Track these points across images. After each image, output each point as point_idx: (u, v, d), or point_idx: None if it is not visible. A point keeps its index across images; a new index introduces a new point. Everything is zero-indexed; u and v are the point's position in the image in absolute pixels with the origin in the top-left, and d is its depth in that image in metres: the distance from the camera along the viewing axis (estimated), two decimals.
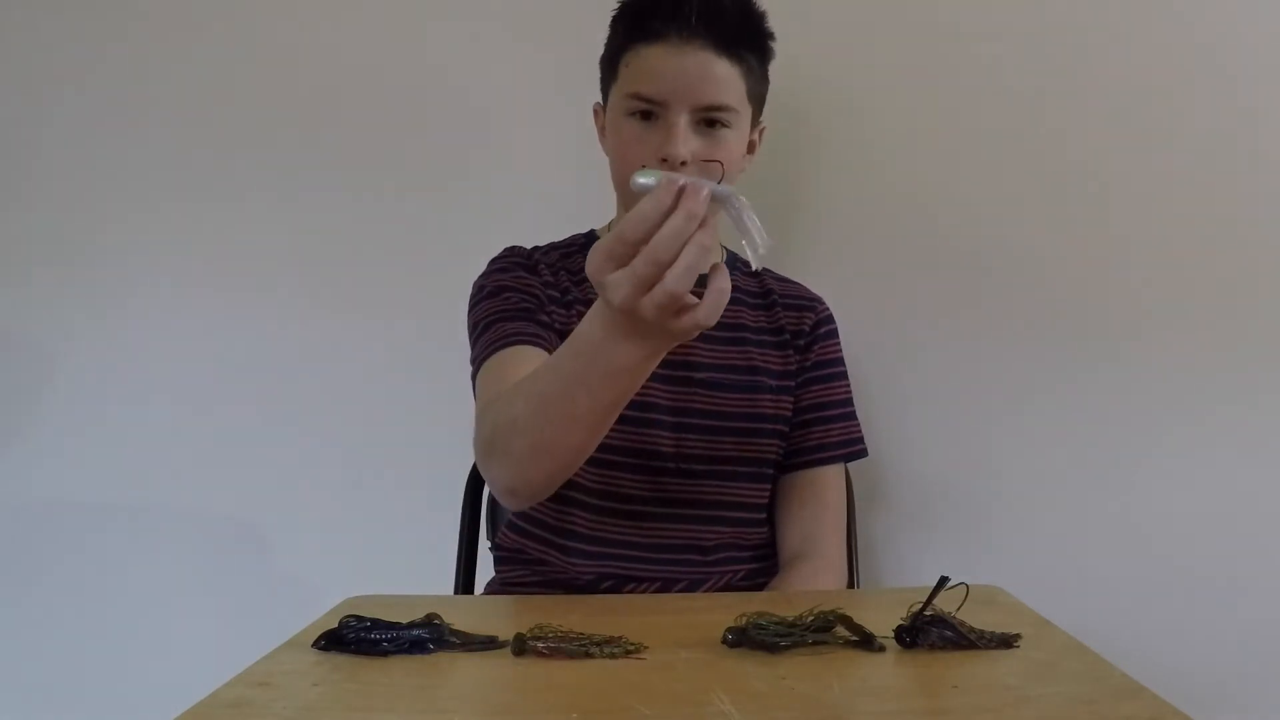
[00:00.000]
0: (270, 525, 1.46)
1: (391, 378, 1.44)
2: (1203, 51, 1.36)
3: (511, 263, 1.14)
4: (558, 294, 1.11)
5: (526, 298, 1.09)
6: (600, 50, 1.14)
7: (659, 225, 0.67)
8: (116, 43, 1.45)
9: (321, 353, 1.45)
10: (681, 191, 0.67)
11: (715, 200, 0.68)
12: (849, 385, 1.19)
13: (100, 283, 1.46)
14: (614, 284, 0.69)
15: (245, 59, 1.45)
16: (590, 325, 0.76)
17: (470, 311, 1.11)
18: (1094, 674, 0.68)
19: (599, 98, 1.16)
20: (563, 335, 1.05)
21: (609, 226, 1.20)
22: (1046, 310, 1.38)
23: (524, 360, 0.98)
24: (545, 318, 1.07)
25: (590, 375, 0.78)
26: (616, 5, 1.11)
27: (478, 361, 1.05)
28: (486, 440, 0.91)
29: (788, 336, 1.17)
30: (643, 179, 0.69)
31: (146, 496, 1.46)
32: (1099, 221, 1.38)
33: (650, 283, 0.68)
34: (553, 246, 1.19)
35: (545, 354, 1.00)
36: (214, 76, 1.45)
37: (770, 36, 1.11)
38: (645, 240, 0.67)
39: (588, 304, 1.09)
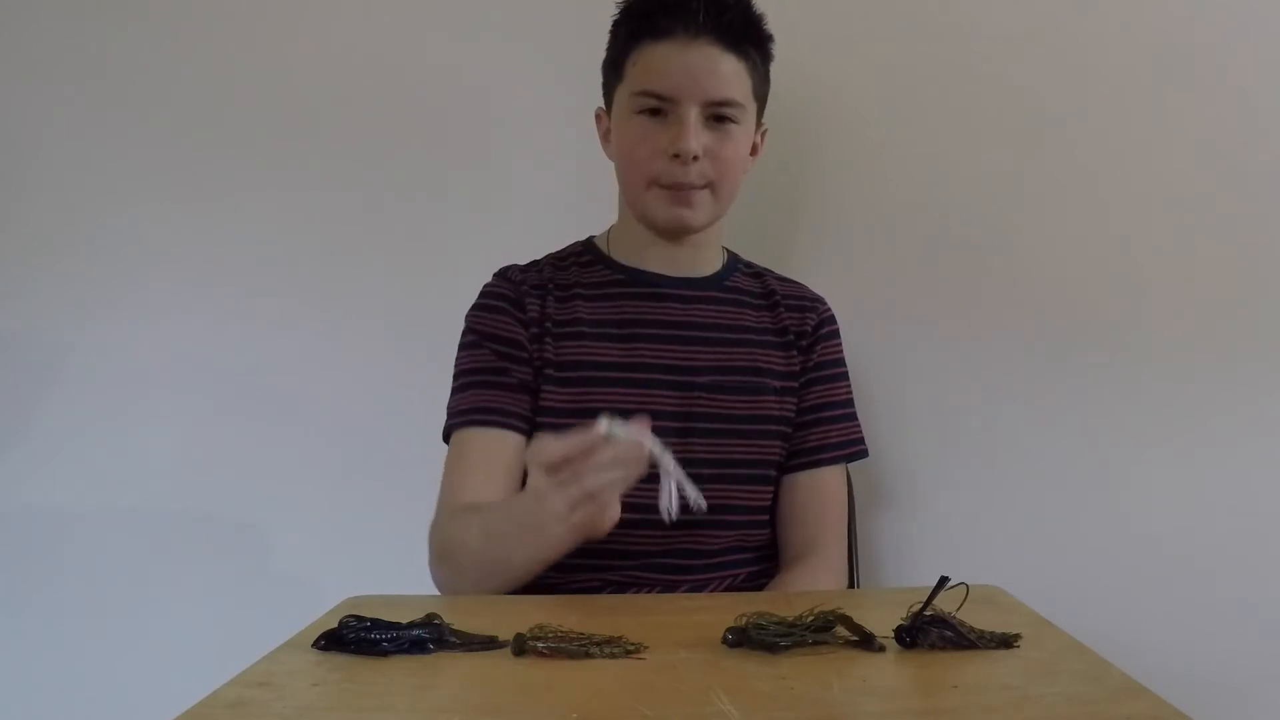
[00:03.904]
0: (270, 525, 1.46)
1: (392, 378, 1.43)
2: (1204, 51, 1.36)
3: (498, 297, 1.14)
4: (539, 329, 1.11)
5: (505, 348, 1.10)
6: (604, 53, 1.14)
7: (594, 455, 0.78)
8: (117, 42, 1.45)
9: (321, 353, 1.45)
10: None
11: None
12: (850, 386, 1.19)
13: (98, 283, 1.46)
14: (545, 487, 0.81)
15: (246, 60, 1.45)
16: (527, 492, 0.88)
17: (457, 349, 1.14)
18: (1094, 674, 0.68)
19: (601, 102, 1.16)
20: (541, 368, 1.09)
21: (609, 233, 1.20)
22: (1047, 311, 1.38)
23: (488, 452, 1.07)
24: (520, 372, 1.10)
25: (523, 535, 0.91)
26: (617, 8, 1.12)
27: (450, 422, 1.11)
28: (440, 550, 1.03)
29: (791, 337, 1.17)
30: (614, 429, 0.78)
31: (145, 497, 1.46)
32: (1099, 222, 1.38)
33: (569, 486, 0.80)
34: (550, 260, 1.19)
35: (510, 439, 1.08)
36: (214, 79, 1.45)
37: (770, 38, 1.12)
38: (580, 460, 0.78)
39: (574, 323, 1.11)
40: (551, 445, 0.79)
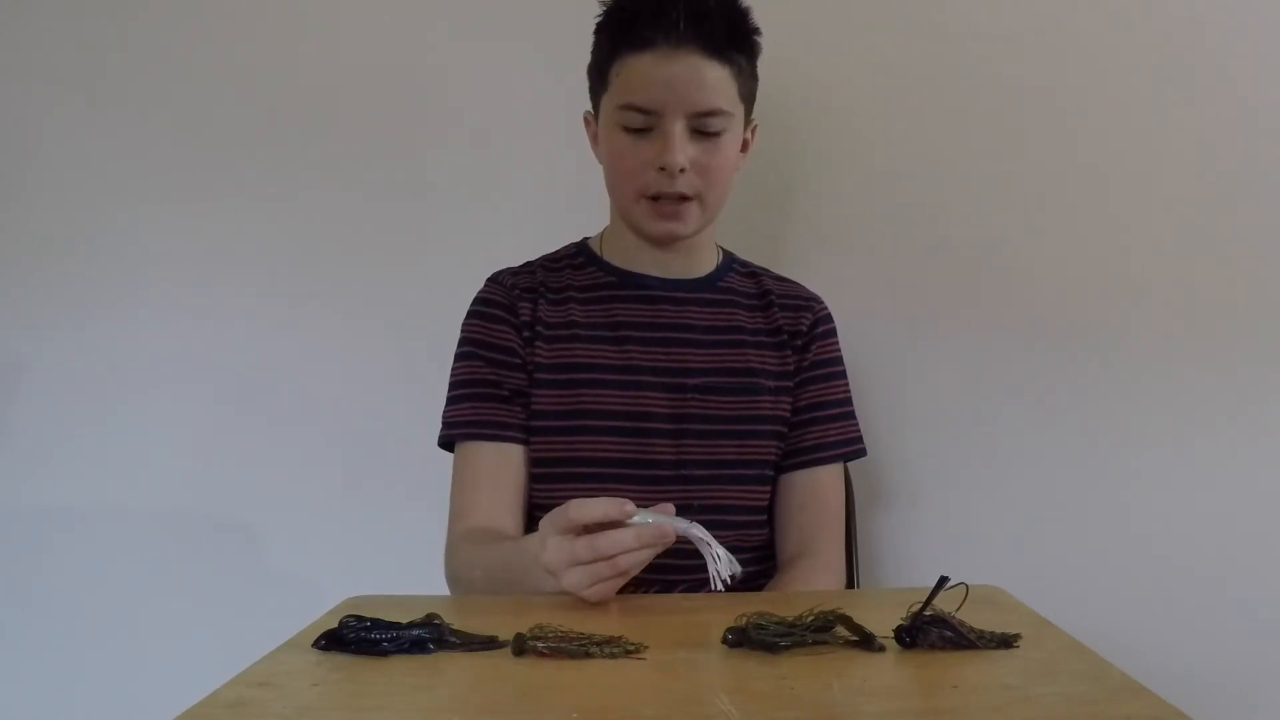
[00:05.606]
0: (270, 525, 1.46)
1: (391, 378, 1.43)
2: (1204, 51, 1.36)
3: (491, 304, 1.14)
4: (531, 333, 1.12)
5: (499, 355, 1.11)
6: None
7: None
8: (116, 42, 1.45)
9: (320, 353, 1.45)
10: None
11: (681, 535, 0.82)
12: (847, 385, 1.19)
13: (98, 283, 1.46)
14: (555, 547, 0.81)
15: (246, 60, 1.45)
16: (532, 543, 0.88)
17: (454, 358, 1.15)
18: (1094, 674, 0.68)
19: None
20: (533, 372, 1.10)
21: (601, 235, 1.20)
22: (1046, 310, 1.38)
23: (492, 468, 1.09)
24: (514, 381, 1.11)
25: (525, 584, 0.90)
26: (600, 8, 1.10)
27: (451, 433, 1.11)
28: (450, 577, 1.07)
29: (785, 337, 1.17)
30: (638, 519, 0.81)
31: (145, 497, 1.46)
32: (1099, 221, 1.38)
33: (586, 560, 0.80)
34: (543, 262, 1.19)
35: (512, 452, 1.10)
36: (214, 79, 1.45)
37: (756, 32, 1.10)
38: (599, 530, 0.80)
39: (567, 325, 1.12)
40: (585, 507, 0.80)
